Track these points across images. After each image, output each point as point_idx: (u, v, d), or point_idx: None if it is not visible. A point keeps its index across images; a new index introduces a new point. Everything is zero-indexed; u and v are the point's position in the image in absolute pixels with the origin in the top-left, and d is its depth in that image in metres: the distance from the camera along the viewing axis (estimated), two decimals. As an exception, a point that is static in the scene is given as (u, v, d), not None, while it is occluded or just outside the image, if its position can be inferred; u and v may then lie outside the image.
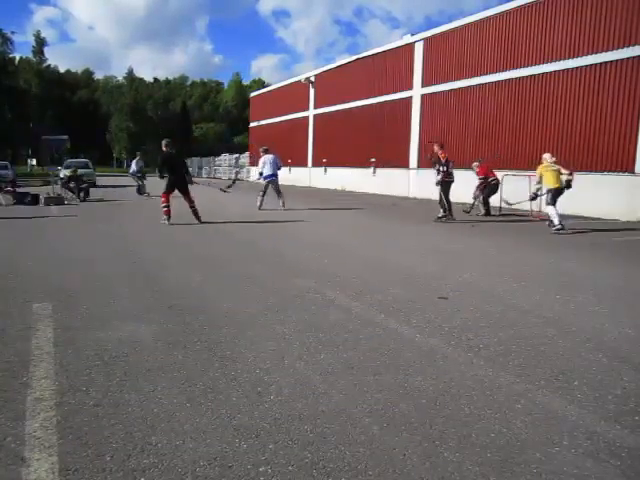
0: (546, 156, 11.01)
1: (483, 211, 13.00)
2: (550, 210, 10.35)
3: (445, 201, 11.60)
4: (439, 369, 3.10)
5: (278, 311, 4.25)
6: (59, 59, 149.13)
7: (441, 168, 11.45)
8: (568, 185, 10.53)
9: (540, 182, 10.76)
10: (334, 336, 3.65)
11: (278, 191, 13.35)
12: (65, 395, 2.66)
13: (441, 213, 11.70)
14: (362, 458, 2.14)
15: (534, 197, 11.19)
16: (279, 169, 13.55)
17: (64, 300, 4.47)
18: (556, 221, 10.00)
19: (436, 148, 11.80)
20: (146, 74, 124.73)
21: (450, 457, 2.15)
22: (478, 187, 13.03)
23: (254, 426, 2.39)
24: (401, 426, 2.41)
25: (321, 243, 8.16)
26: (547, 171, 10.58)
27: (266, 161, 13.31)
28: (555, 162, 10.64)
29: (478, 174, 13.08)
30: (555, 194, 10.49)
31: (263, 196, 13.30)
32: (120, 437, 2.27)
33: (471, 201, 13.41)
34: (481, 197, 12.98)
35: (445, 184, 11.53)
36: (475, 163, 13.59)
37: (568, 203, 14.07)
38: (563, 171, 10.54)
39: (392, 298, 4.73)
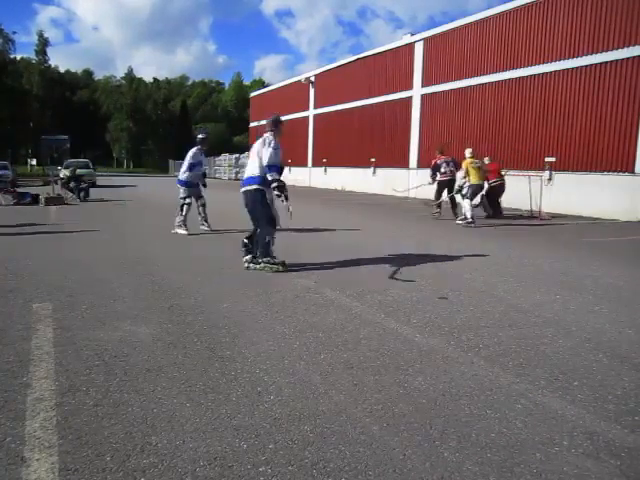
0: (467, 153, 11.42)
1: (489, 212, 12.66)
2: (466, 204, 11.04)
3: (436, 197, 12.57)
4: (439, 369, 3.10)
5: (278, 311, 4.26)
6: (63, 59, 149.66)
7: (438, 173, 12.34)
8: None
9: (466, 177, 11.21)
10: (334, 336, 3.65)
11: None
12: (65, 395, 2.66)
13: (435, 209, 12.46)
14: (362, 458, 2.14)
15: (459, 191, 11.63)
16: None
17: (64, 300, 4.47)
18: (469, 214, 10.87)
19: (436, 155, 12.59)
20: (150, 74, 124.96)
21: (450, 457, 2.15)
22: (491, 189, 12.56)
23: (254, 426, 2.39)
24: (401, 426, 2.41)
25: (320, 243, 8.16)
26: (472, 168, 11.18)
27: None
28: (475, 158, 11.44)
29: (489, 176, 12.41)
30: (476, 190, 11.31)
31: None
32: (120, 437, 2.27)
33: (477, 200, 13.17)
34: (485, 199, 12.58)
35: (441, 183, 12.33)
36: (485, 159, 12.80)
37: (568, 203, 14.21)
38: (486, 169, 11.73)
39: (392, 298, 4.73)
